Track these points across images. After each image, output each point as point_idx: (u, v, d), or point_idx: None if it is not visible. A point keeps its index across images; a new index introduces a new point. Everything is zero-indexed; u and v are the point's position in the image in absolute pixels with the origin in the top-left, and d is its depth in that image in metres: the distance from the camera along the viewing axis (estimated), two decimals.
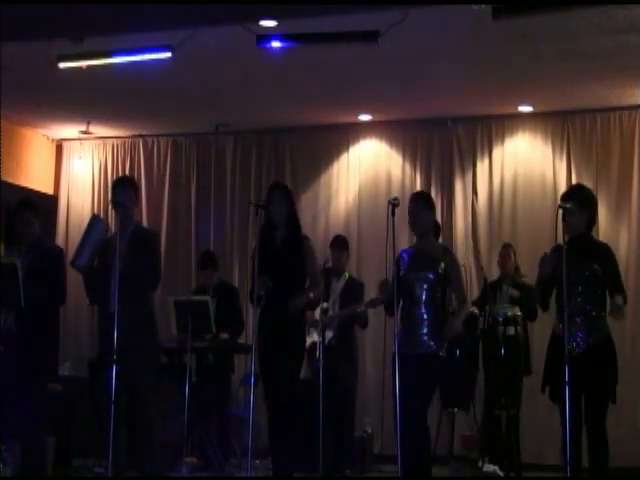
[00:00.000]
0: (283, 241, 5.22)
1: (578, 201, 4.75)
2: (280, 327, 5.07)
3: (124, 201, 5.22)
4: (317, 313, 6.60)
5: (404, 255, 5.20)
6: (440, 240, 7.63)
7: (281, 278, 5.07)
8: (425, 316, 5.05)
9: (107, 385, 4.85)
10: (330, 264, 6.62)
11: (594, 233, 5.13)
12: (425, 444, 5.01)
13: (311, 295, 5.20)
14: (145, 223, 8.63)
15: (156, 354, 5.28)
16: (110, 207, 5.33)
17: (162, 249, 5.41)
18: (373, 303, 6.52)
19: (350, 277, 6.95)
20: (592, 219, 4.86)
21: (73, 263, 5.18)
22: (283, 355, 5.06)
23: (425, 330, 5.03)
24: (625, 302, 4.68)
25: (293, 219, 5.29)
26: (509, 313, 6.40)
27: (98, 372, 5.19)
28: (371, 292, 7.15)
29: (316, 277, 5.31)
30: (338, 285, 6.79)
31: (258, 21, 5.85)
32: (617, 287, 4.72)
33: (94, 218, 5.39)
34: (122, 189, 5.32)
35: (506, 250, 7.09)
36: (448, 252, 5.34)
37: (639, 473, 6.96)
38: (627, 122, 7.85)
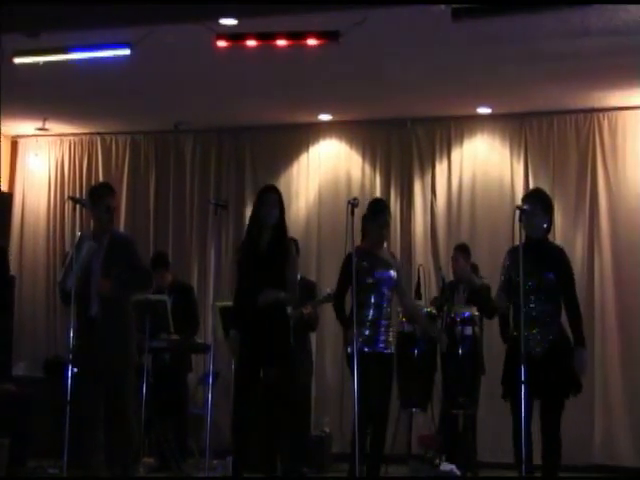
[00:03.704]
0: (269, 244, 5.22)
1: (542, 204, 4.82)
2: (266, 334, 5.08)
3: (113, 207, 5.48)
4: None
5: (364, 258, 5.29)
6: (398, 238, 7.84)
7: (265, 283, 5.09)
8: (384, 316, 5.42)
9: (83, 390, 5.14)
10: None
11: (550, 235, 5.18)
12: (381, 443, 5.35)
13: (282, 295, 5.17)
14: None
15: (134, 356, 5.47)
16: (84, 208, 5.57)
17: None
18: (319, 302, 6.65)
19: (301, 278, 6.93)
20: (550, 225, 4.93)
21: (61, 284, 5.36)
22: (269, 364, 5.10)
23: (383, 329, 5.40)
24: (579, 315, 4.77)
25: (283, 223, 5.31)
26: (467, 313, 6.44)
27: (76, 378, 5.26)
28: (326, 290, 7.15)
29: (294, 284, 5.32)
30: None
31: (218, 19, 5.82)
32: (570, 295, 4.79)
33: (86, 242, 5.39)
34: (113, 195, 5.55)
35: (455, 254, 7.04)
36: (395, 258, 5.75)
37: (593, 471, 7.07)
38: (583, 124, 7.94)
